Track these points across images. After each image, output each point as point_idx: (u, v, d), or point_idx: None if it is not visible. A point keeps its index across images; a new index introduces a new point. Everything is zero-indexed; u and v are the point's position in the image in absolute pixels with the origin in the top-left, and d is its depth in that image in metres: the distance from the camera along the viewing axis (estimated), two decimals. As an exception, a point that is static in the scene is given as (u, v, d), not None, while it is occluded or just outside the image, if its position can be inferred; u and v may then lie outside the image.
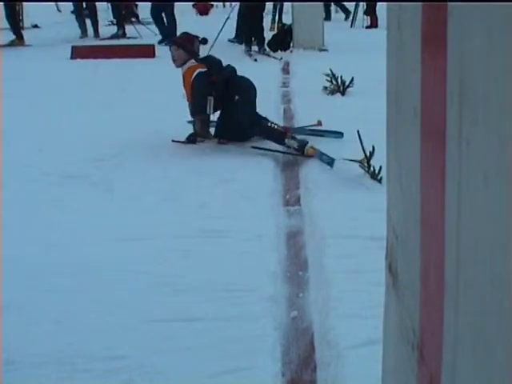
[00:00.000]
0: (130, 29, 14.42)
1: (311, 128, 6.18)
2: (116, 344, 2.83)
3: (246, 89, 6.00)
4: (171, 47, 6.09)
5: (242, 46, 11.85)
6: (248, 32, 11.82)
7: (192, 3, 21.69)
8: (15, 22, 13.62)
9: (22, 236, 3.94)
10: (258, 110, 6.00)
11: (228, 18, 11.61)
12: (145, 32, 14.13)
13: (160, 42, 12.44)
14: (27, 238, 3.92)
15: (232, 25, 12.47)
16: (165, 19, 13.16)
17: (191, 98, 5.92)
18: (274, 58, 11.29)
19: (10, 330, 2.88)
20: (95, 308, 3.12)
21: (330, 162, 5.04)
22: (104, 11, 16.20)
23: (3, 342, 2.78)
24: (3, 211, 4.19)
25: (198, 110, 5.92)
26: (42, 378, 2.63)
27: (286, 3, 14.63)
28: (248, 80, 6.11)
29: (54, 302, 3.18)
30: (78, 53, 11.46)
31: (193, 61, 5.91)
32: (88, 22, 14.32)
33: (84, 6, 14.53)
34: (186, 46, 6.00)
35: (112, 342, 2.84)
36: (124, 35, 14.26)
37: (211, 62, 5.99)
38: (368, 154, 4.74)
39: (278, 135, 5.75)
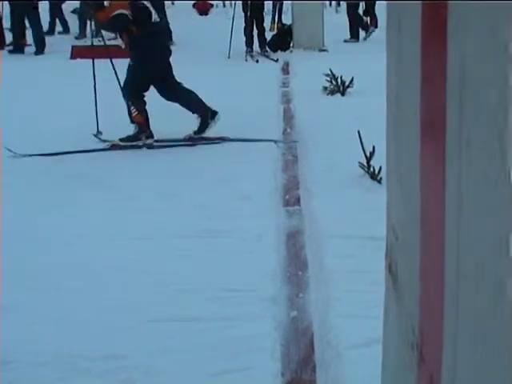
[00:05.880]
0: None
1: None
2: (116, 344, 2.82)
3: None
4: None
5: (244, 47, 11.81)
6: (250, 33, 11.80)
7: (192, 3, 21.70)
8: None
9: (21, 236, 3.94)
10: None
11: (233, 19, 11.54)
12: None
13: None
14: (27, 238, 3.92)
15: (239, 25, 12.31)
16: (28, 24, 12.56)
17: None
18: (271, 59, 11.29)
19: (10, 330, 2.88)
20: (95, 308, 3.12)
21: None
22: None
23: (3, 341, 2.77)
24: (3, 211, 4.19)
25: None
26: (41, 377, 2.63)
27: (285, 3, 14.61)
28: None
29: (54, 301, 3.18)
30: (77, 52, 11.44)
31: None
32: (89, 21, 14.28)
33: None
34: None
35: (112, 341, 2.84)
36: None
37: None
38: (368, 154, 4.74)
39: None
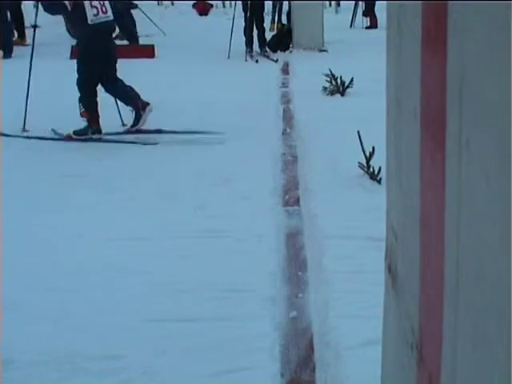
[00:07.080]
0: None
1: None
2: (116, 344, 2.82)
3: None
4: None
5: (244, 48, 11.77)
6: (249, 33, 11.79)
7: (192, 3, 21.70)
8: (19, 21, 13.56)
9: (21, 236, 3.94)
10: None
11: (233, 19, 11.51)
12: (154, 30, 14.08)
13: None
14: (27, 238, 3.92)
15: (239, 25, 12.27)
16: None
17: None
18: (271, 59, 11.29)
19: (10, 329, 2.87)
20: (94, 308, 3.12)
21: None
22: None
23: (3, 341, 2.77)
24: (3, 211, 4.19)
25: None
26: (41, 376, 2.63)
27: (285, 3, 14.61)
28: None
29: (54, 301, 3.18)
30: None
31: None
32: None
33: None
34: None
35: (112, 341, 2.84)
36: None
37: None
38: (368, 154, 4.74)
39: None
